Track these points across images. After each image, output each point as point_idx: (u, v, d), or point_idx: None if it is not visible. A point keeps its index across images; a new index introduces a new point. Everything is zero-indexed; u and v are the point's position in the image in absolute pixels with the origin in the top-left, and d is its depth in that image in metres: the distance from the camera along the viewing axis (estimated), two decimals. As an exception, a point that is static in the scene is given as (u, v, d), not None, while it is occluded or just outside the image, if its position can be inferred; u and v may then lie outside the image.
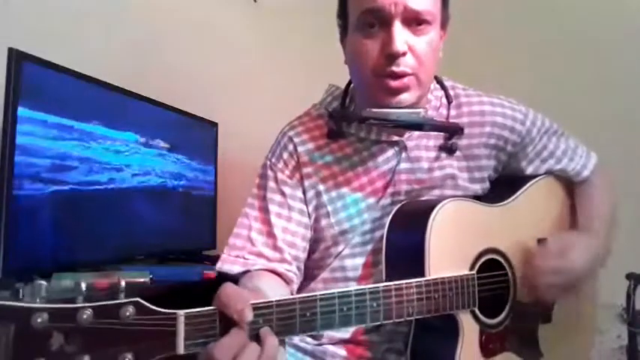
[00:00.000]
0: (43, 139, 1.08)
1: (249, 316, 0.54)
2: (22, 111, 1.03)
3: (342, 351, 0.86)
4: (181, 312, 0.51)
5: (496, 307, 0.83)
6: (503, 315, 0.83)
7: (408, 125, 0.82)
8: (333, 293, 0.62)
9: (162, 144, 1.48)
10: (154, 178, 1.44)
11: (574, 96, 1.79)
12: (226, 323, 0.53)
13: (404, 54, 0.76)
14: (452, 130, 0.86)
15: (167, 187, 1.50)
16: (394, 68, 0.77)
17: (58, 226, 1.12)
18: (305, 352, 0.88)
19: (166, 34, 1.63)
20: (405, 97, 0.79)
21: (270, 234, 0.84)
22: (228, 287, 0.55)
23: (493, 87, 0.98)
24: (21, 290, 0.87)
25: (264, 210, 0.86)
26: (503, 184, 0.93)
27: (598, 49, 1.81)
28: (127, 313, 0.47)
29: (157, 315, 0.50)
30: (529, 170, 0.94)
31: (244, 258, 0.83)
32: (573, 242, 0.85)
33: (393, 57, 0.76)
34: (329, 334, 0.86)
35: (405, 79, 0.78)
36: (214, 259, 1.57)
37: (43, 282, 0.46)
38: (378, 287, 0.66)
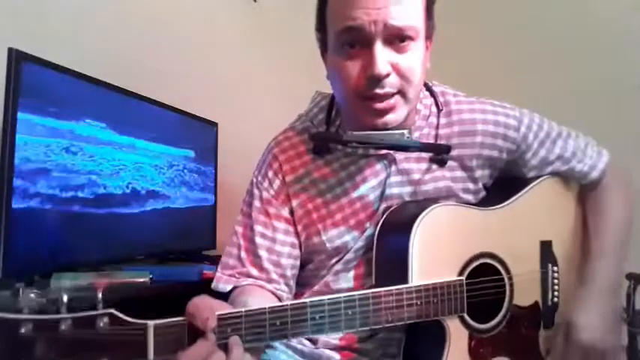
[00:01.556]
0: (43, 138, 1.08)
1: (212, 324, 0.58)
2: (22, 110, 1.03)
3: (338, 356, 0.86)
4: (151, 323, 0.56)
5: (490, 311, 0.83)
6: (497, 319, 0.83)
7: (393, 147, 0.81)
8: (305, 302, 0.64)
9: (162, 144, 1.49)
10: (153, 177, 1.44)
11: (572, 96, 1.79)
12: (195, 333, 0.58)
13: (387, 75, 0.74)
14: (439, 150, 0.85)
15: (167, 186, 1.51)
16: (378, 90, 0.75)
17: (58, 226, 1.12)
18: (302, 354, 0.89)
19: (166, 34, 1.63)
20: (391, 118, 0.77)
21: (256, 254, 0.85)
22: (197, 299, 0.60)
23: (490, 87, 0.96)
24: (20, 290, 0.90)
25: (250, 229, 0.87)
26: (503, 186, 0.92)
27: (598, 50, 1.81)
28: (102, 324, 0.53)
29: (129, 326, 0.55)
30: (532, 174, 0.93)
31: (236, 277, 0.85)
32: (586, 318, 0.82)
33: (375, 79, 0.74)
34: (324, 340, 0.87)
35: (391, 100, 0.76)
36: (214, 259, 1.59)
37: (33, 291, 0.52)
38: (353, 295, 0.67)
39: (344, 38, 0.75)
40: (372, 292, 0.69)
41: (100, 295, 0.54)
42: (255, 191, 0.88)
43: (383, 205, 0.84)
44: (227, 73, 1.83)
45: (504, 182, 0.92)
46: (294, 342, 0.89)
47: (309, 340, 0.88)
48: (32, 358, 0.51)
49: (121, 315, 0.55)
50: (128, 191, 1.35)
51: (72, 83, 1.17)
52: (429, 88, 0.90)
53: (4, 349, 0.50)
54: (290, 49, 1.98)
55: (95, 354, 0.53)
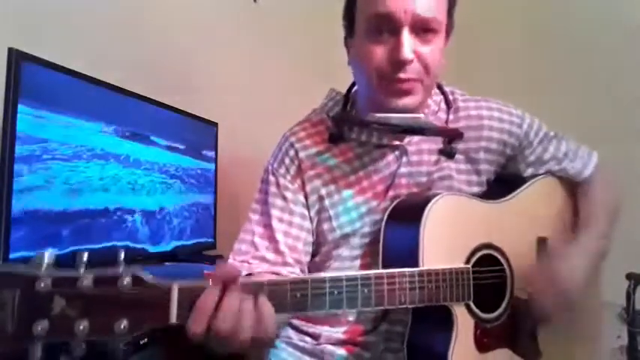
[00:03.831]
0: (44, 138, 1.08)
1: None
2: (21, 111, 1.03)
3: (340, 350, 0.87)
4: (175, 285, 0.55)
5: (494, 302, 0.84)
6: (500, 310, 0.84)
7: (410, 130, 0.84)
8: (325, 277, 0.65)
9: (162, 144, 1.49)
10: (153, 177, 1.45)
11: (573, 99, 1.79)
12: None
13: (411, 61, 0.78)
14: (452, 135, 0.88)
15: (167, 186, 1.51)
16: (401, 75, 0.79)
17: (58, 226, 1.12)
18: (303, 350, 0.89)
19: (166, 34, 1.63)
20: (409, 101, 0.81)
21: (272, 238, 0.86)
22: (221, 263, 0.59)
23: (495, 93, 0.98)
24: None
25: (266, 214, 0.88)
26: (502, 183, 0.94)
27: (601, 54, 1.81)
28: (125, 283, 0.51)
29: (152, 286, 0.53)
30: (528, 172, 0.96)
31: (249, 263, 0.85)
32: (567, 259, 0.85)
33: (400, 64, 0.78)
34: (326, 335, 0.87)
35: (411, 84, 0.80)
36: (214, 259, 1.58)
37: (48, 251, 0.50)
38: (369, 274, 0.68)
39: (374, 23, 0.80)
40: (387, 272, 0.70)
41: (122, 256, 0.53)
42: (272, 178, 0.90)
43: (391, 194, 0.87)
44: (227, 73, 1.83)
45: (504, 179, 0.95)
46: (295, 339, 0.90)
47: (311, 336, 0.89)
48: (49, 315, 0.48)
49: (144, 276, 0.53)
50: (128, 191, 1.35)
51: (72, 83, 1.17)
52: (439, 87, 0.94)
53: (20, 305, 0.47)
54: (290, 49, 1.98)
55: (115, 314, 0.50)
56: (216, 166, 1.75)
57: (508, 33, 2.05)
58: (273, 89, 1.94)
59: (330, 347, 0.87)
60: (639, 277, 1.07)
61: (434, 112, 0.92)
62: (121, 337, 0.51)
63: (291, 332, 0.91)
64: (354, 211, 0.87)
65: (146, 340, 1.11)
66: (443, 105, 0.93)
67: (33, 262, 0.49)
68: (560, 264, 0.83)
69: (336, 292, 0.64)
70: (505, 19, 2.08)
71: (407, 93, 0.81)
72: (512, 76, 1.96)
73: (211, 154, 1.74)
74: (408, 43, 0.77)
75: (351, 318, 0.87)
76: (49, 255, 0.49)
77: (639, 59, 1.75)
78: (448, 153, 0.89)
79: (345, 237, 0.87)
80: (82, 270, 0.50)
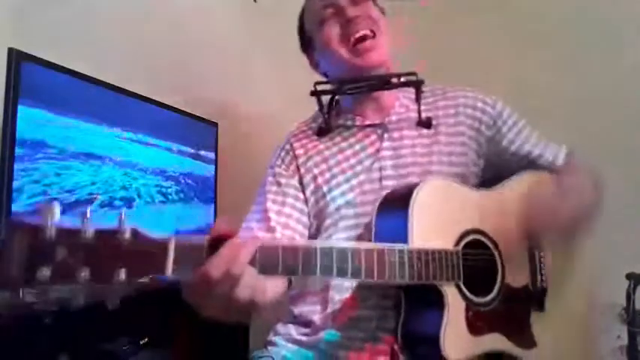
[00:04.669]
0: (43, 138, 1.08)
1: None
2: (21, 110, 1.03)
3: (333, 332, 0.89)
4: (172, 238, 0.57)
5: (485, 287, 0.85)
6: (492, 294, 0.85)
7: (378, 81, 0.96)
8: (315, 248, 0.66)
9: (162, 144, 1.49)
10: (153, 177, 1.45)
11: (571, 99, 1.78)
12: (213, 254, 0.59)
13: (357, 17, 0.94)
14: (414, 83, 0.95)
15: (166, 186, 1.51)
16: (357, 32, 0.94)
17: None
18: (301, 343, 0.93)
19: (166, 34, 1.63)
20: (374, 57, 0.95)
21: (266, 218, 0.94)
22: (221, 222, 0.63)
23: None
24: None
25: (263, 202, 0.97)
26: (490, 175, 0.99)
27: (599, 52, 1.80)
28: (124, 236, 0.55)
29: (151, 240, 0.57)
30: (513, 148, 1.01)
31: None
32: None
33: (350, 21, 0.94)
34: (320, 316, 0.91)
35: (370, 42, 0.94)
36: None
37: (57, 203, 0.53)
38: (360, 247, 0.71)
39: (323, 13, 0.97)
40: (377, 247, 0.72)
41: (123, 215, 0.56)
42: (269, 171, 1.02)
43: (376, 165, 0.96)
44: (227, 73, 1.83)
45: (492, 170, 1.00)
46: (295, 334, 0.94)
47: (309, 324, 0.93)
48: (52, 263, 0.51)
49: (142, 230, 0.57)
50: (128, 190, 1.35)
51: (71, 83, 1.18)
52: (416, 87, 0.99)
53: (25, 252, 0.50)
54: (290, 50, 1.98)
55: (115, 264, 0.54)
56: (216, 166, 1.75)
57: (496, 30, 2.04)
58: (273, 89, 1.94)
59: (324, 335, 0.90)
60: (639, 277, 1.08)
61: (410, 99, 1.00)
62: (120, 285, 0.54)
63: (291, 329, 0.95)
64: (345, 184, 0.96)
65: (146, 340, 1.12)
66: (413, 97, 1.00)
67: (39, 212, 0.52)
68: (553, 196, 0.88)
69: (326, 262, 0.67)
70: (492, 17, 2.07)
71: (370, 50, 0.94)
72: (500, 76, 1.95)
73: (211, 154, 1.75)
74: (350, 6, 0.95)
75: (338, 297, 0.90)
76: (54, 206, 0.52)
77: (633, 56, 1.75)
78: (426, 124, 0.98)
79: (339, 209, 0.95)
80: (84, 223, 0.54)
